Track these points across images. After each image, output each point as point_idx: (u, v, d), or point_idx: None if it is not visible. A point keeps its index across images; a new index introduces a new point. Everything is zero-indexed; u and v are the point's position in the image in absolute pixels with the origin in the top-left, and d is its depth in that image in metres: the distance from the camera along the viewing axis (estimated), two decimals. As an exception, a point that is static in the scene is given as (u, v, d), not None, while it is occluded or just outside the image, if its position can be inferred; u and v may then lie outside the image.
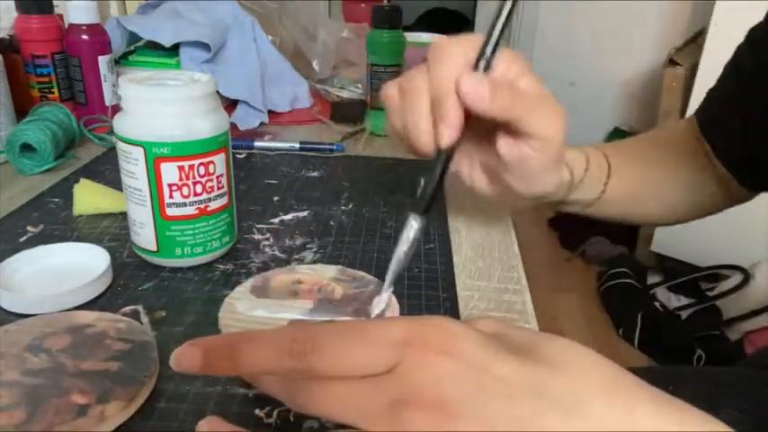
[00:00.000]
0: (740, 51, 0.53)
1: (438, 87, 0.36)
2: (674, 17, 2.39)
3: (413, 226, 0.35)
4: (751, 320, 1.63)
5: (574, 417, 0.23)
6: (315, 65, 1.01)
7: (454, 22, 3.64)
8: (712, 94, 0.56)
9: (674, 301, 1.85)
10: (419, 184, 0.37)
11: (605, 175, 0.50)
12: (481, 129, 0.39)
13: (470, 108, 0.35)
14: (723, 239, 1.88)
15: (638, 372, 0.25)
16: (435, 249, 0.51)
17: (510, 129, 0.38)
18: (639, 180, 0.54)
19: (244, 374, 0.26)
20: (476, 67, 0.36)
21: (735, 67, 0.53)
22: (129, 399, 0.32)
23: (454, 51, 0.37)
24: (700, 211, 0.59)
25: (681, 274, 1.91)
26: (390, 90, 0.40)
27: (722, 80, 0.54)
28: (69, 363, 0.34)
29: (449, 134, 0.36)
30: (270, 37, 0.93)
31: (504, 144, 0.39)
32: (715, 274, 1.87)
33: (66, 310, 0.40)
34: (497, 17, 0.36)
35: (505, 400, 0.22)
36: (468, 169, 0.44)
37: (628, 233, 2.18)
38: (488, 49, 0.36)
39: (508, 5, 0.36)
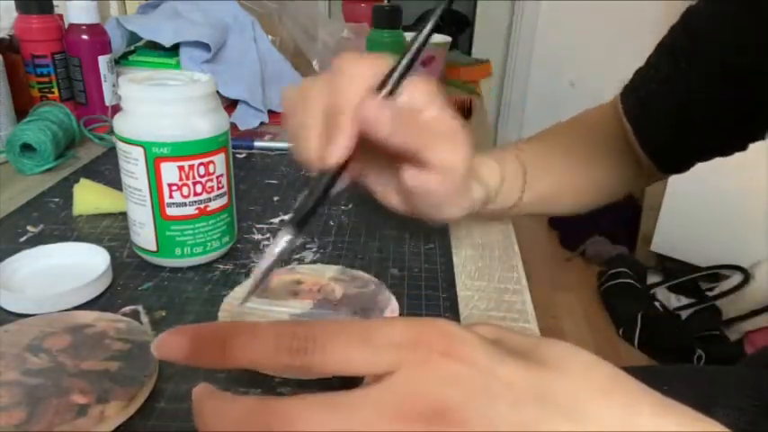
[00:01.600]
0: (675, 34, 0.51)
1: (335, 103, 0.34)
2: (674, 17, 2.38)
3: (283, 240, 0.33)
4: (751, 320, 1.63)
5: (576, 419, 0.23)
6: (315, 65, 1.01)
7: (454, 22, 3.64)
8: (642, 76, 0.54)
9: (674, 301, 1.85)
10: (299, 198, 0.34)
11: (521, 182, 0.50)
12: (391, 152, 0.37)
13: (368, 133, 0.33)
14: (723, 239, 1.88)
15: (633, 371, 0.25)
16: (435, 249, 0.51)
17: (413, 158, 0.36)
18: (556, 182, 0.54)
19: (233, 367, 0.24)
20: (380, 89, 0.34)
21: (670, 50, 0.51)
22: (129, 399, 0.32)
23: (359, 69, 0.35)
24: (617, 195, 0.60)
25: (681, 274, 1.92)
26: (288, 93, 0.38)
27: (655, 63, 0.53)
28: (69, 363, 0.34)
29: (336, 152, 0.33)
30: (270, 37, 0.93)
31: (407, 173, 0.37)
32: (715, 274, 1.87)
33: (66, 310, 0.40)
34: (412, 42, 0.35)
35: (510, 404, 0.22)
36: (382, 188, 0.42)
37: (628, 233, 2.19)
38: (396, 74, 0.34)
39: (425, 33, 0.35)
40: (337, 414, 0.22)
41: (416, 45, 0.35)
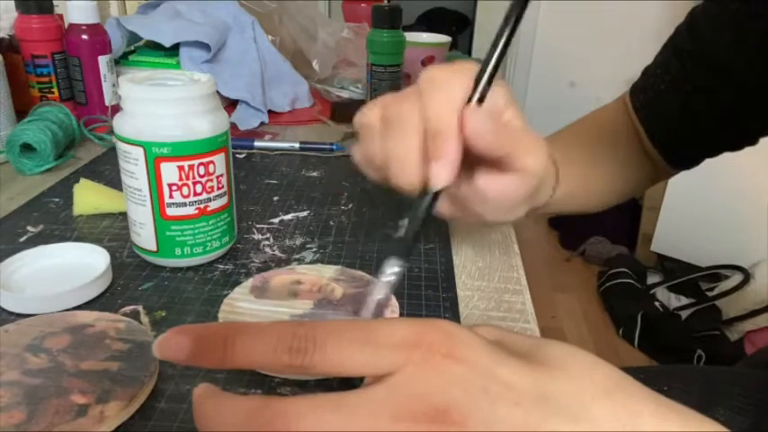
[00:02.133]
0: (680, 33, 0.52)
1: (437, 122, 0.33)
2: (674, 17, 2.38)
3: (394, 271, 0.32)
4: (751, 320, 1.63)
5: (577, 419, 0.23)
6: (315, 65, 1.01)
7: (454, 22, 3.63)
8: (650, 74, 0.55)
9: (673, 301, 1.85)
10: (400, 225, 0.32)
11: (554, 180, 0.49)
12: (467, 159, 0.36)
13: (472, 144, 0.33)
14: (723, 239, 1.88)
15: (633, 371, 0.25)
16: (435, 249, 0.51)
17: (492, 162, 0.36)
18: (579, 180, 0.54)
19: (234, 367, 0.24)
20: (471, 99, 0.33)
21: (675, 50, 0.52)
22: (129, 399, 0.32)
23: (452, 83, 0.34)
24: (632, 192, 0.60)
25: (681, 274, 1.92)
26: (370, 116, 0.37)
27: (662, 62, 0.54)
28: (69, 363, 0.34)
29: (446, 174, 0.32)
30: (270, 37, 0.93)
31: (484, 178, 0.36)
32: (715, 274, 1.87)
33: (66, 310, 0.40)
34: (495, 46, 0.34)
35: (511, 405, 0.22)
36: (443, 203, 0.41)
37: (628, 233, 2.19)
38: (484, 81, 0.33)
39: (507, 32, 0.33)
40: (338, 414, 0.22)
41: (500, 48, 0.33)
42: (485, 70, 0.34)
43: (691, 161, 0.56)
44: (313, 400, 0.22)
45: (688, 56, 0.50)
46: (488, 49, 0.34)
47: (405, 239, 0.32)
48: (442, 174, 0.32)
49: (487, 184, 0.36)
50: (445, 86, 0.33)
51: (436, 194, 0.33)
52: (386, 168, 0.36)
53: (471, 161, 0.36)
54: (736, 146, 0.53)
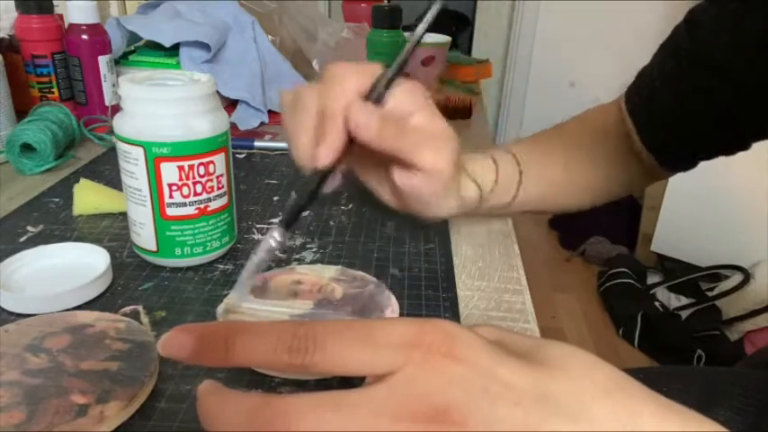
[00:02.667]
0: (678, 33, 0.52)
1: (325, 108, 0.36)
2: (674, 17, 2.38)
3: (274, 238, 0.35)
4: (751, 320, 1.63)
5: (577, 420, 0.23)
6: (315, 65, 1.01)
7: (454, 22, 3.63)
8: (646, 75, 0.55)
9: (673, 301, 1.85)
10: (291, 197, 0.37)
11: (516, 182, 0.51)
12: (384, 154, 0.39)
13: (356, 137, 0.36)
14: (723, 239, 1.88)
15: (633, 372, 0.25)
16: (435, 249, 0.51)
17: (400, 161, 0.38)
18: (555, 180, 0.55)
19: (235, 365, 0.24)
20: (369, 96, 0.36)
21: (673, 50, 0.52)
22: (129, 399, 0.32)
23: (348, 77, 0.37)
24: (618, 194, 0.61)
25: (681, 274, 1.92)
26: (285, 97, 0.41)
27: (659, 62, 0.54)
28: (69, 363, 0.34)
29: (325, 155, 0.36)
30: (270, 37, 0.93)
31: (395, 173, 0.39)
32: (715, 274, 1.87)
33: (66, 310, 0.40)
34: (400, 52, 0.37)
35: (511, 405, 0.22)
36: (378, 185, 0.44)
37: (628, 233, 2.19)
38: (383, 81, 0.36)
39: (414, 42, 0.36)
40: (338, 414, 0.22)
41: (404, 53, 0.37)
42: (387, 70, 0.37)
43: (685, 163, 0.56)
44: (313, 400, 0.22)
45: (685, 55, 0.50)
46: (397, 53, 0.37)
47: (290, 211, 0.36)
48: (323, 154, 0.36)
49: (398, 178, 0.39)
50: (341, 80, 0.37)
51: (323, 176, 0.36)
52: (289, 147, 0.40)
53: (389, 158, 0.39)
54: (730, 150, 0.53)
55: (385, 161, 0.40)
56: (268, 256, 0.35)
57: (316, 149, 0.36)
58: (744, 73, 0.46)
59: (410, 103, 0.38)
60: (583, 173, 0.57)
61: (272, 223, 0.55)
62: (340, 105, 0.36)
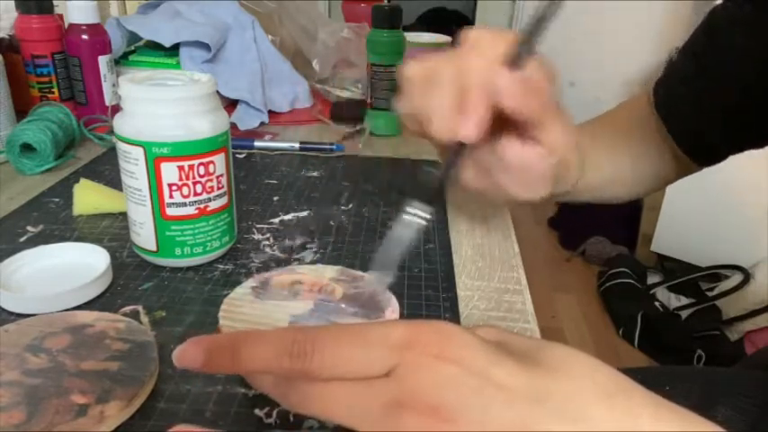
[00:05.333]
0: (698, 32, 0.53)
1: (470, 77, 0.35)
2: (674, 17, 2.39)
3: (418, 214, 0.35)
4: (751, 320, 1.63)
5: (574, 421, 0.23)
6: (315, 65, 1.01)
7: (454, 22, 3.63)
8: (669, 70, 0.56)
9: (674, 301, 1.85)
10: (428, 174, 0.36)
11: (580, 168, 0.50)
12: (496, 125, 0.38)
13: (501, 104, 0.35)
14: (723, 239, 1.88)
15: (633, 372, 0.25)
16: (435, 249, 0.51)
17: (521, 132, 0.37)
18: (606, 167, 0.56)
19: (242, 373, 0.27)
20: (508, 63, 0.35)
21: (692, 49, 0.53)
22: (129, 399, 0.32)
23: (489, 44, 0.36)
24: (659, 185, 0.61)
25: (681, 274, 1.91)
26: (411, 71, 0.39)
27: (679, 59, 0.55)
28: (69, 362, 0.34)
29: (473, 127, 0.34)
30: (270, 37, 0.93)
31: (509, 146, 0.38)
32: (715, 274, 1.87)
33: (66, 310, 0.40)
34: (539, 16, 0.35)
35: (504, 406, 0.22)
36: (474, 163, 0.42)
37: (628, 233, 2.19)
38: (524, 47, 0.35)
39: (550, 5, 0.35)
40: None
41: (546, 14, 0.35)
42: (525, 38, 0.35)
43: (713, 157, 0.56)
44: (313, 406, 0.24)
45: (703, 53, 0.51)
46: (529, 20, 0.35)
47: (434, 187, 0.36)
48: (470, 126, 0.34)
49: (510, 147, 0.38)
50: (482, 47, 0.36)
51: (464, 149, 0.36)
52: (423, 120, 0.38)
53: (502, 128, 0.37)
54: (757, 142, 0.53)
55: (495, 134, 0.38)
56: (410, 233, 0.35)
57: (460, 122, 0.35)
58: (755, 75, 0.47)
59: (544, 74, 0.36)
60: (627, 165, 0.58)
61: (272, 223, 0.55)
62: (483, 74, 0.35)
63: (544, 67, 0.37)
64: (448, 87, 0.36)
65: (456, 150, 0.36)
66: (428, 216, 0.35)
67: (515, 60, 0.35)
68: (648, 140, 0.57)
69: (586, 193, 0.54)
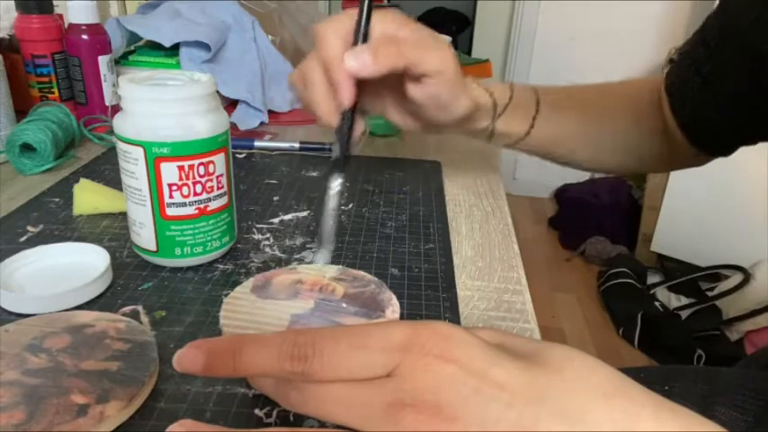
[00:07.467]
0: (709, 20, 0.53)
1: (327, 63, 0.42)
2: (674, 17, 2.39)
3: (337, 181, 0.42)
4: (751, 320, 1.63)
5: (575, 421, 0.23)
6: (315, 65, 1.01)
7: (454, 22, 3.64)
8: (682, 57, 0.56)
9: (674, 301, 1.85)
10: (331, 150, 0.45)
11: (533, 110, 0.55)
12: (394, 85, 0.46)
13: (360, 76, 0.41)
14: (723, 239, 1.88)
15: (633, 371, 0.25)
16: (435, 249, 0.51)
17: (410, 75, 0.44)
18: (573, 124, 0.58)
19: (243, 375, 0.26)
20: (355, 39, 0.42)
21: (703, 36, 0.53)
22: (129, 399, 0.32)
23: (332, 30, 0.43)
24: (637, 165, 0.63)
25: (681, 274, 1.92)
26: (293, 76, 0.47)
27: (691, 47, 0.55)
28: (69, 362, 0.34)
29: (344, 97, 0.42)
30: (270, 37, 0.93)
31: (411, 89, 0.45)
32: (715, 274, 1.87)
33: (66, 310, 0.40)
34: None
35: (504, 406, 0.22)
36: (401, 117, 0.51)
37: (628, 233, 2.19)
38: (363, 21, 0.42)
39: None
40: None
41: None
42: (360, 13, 0.42)
43: (722, 147, 0.56)
44: (314, 407, 0.24)
45: (713, 40, 0.51)
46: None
47: (338, 156, 0.43)
48: (344, 94, 0.42)
49: (414, 92, 0.45)
50: (327, 35, 0.43)
51: (350, 117, 0.43)
52: (312, 111, 0.46)
53: (401, 79, 0.45)
54: (766, 136, 0.53)
55: (394, 89, 0.47)
56: (335, 203, 0.42)
57: (335, 100, 0.42)
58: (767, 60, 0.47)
59: (392, 23, 0.43)
60: (602, 132, 0.59)
61: (272, 223, 0.55)
62: (338, 54, 0.41)
63: (392, 19, 0.43)
64: (315, 76, 0.44)
65: (341, 125, 0.43)
66: (345, 183, 0.42)
67: (361, 32, 0.42)
68: (642, 117, 0.58)
69: (539, 147, 0.57)
